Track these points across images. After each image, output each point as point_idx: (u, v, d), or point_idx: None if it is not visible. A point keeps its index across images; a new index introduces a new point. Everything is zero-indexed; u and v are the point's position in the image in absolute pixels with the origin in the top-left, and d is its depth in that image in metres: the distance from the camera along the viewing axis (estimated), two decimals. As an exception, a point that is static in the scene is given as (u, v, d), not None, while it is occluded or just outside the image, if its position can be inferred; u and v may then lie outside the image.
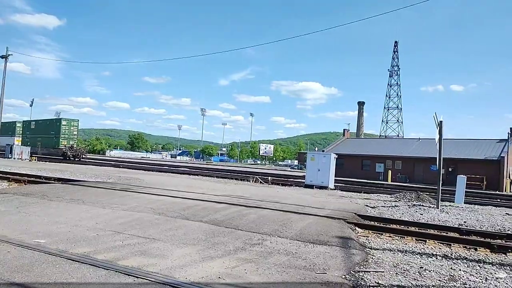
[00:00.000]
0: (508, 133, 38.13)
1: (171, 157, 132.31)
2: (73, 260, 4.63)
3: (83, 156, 43.13)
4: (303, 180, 22.98)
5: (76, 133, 44.94)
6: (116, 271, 4.29)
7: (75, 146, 43.18)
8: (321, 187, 20.83)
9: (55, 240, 5.60)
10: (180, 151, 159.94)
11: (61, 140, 42.29)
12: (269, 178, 25.80)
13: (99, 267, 4.42)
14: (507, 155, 34.41)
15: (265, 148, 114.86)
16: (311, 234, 7.05)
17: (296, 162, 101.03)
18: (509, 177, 33.84)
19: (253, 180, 23.49)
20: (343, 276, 4.77)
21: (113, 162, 40.30)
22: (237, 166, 65.77)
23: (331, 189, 20.79)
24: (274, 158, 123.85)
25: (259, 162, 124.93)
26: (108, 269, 4.35)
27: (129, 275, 4.20)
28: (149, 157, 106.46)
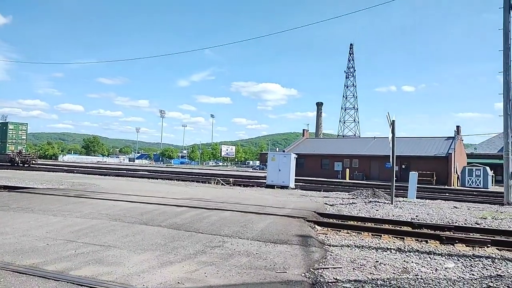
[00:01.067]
0: (455, 131, 40.70)
1: (129, 160, 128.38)
2: (19, 273, 4.34)
3: (34, 162, 40.68)
4: (264, 181, 23.15)
5: (24, 137, 42.28)
6: (68, 282, 4.08)
7: (24, 151, 40.64)
8: (282, 187, 21.09)
9: (0, 252, 5.23)
10: (139, 155, 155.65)
11: (8, 145, 39.64)
12: (231, 179, 25.73)
13: (49, 278, 4.17)
14: (454, 151, 36.70)
15: (227, 150, 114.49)
16: (272, 234, 7.10)
17: (258, 162, 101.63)
18: (456, 172, 36.09)
19: (214, 182, 23.32)
20: (303, 274, 4.84)
21: (66, 168, 38.41)
22: (199, 169, 65.09)
23: (291, 188, 21.10)
24: (236, 159, 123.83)
25: (221, 163, 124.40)
26: (59, 280, 4.12)
27: (82, 285, 4.01)
28: (105, 162, 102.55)
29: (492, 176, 35.11)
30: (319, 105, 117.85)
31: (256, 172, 57.61)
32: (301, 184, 23.99)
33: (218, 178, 25.16)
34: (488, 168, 33.39)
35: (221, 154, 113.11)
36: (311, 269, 5.09)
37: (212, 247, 6.01)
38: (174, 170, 48.97)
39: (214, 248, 5.96)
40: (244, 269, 4.92)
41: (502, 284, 4.74)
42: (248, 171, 61.37)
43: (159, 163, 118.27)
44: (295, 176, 23.52)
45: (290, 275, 4.74)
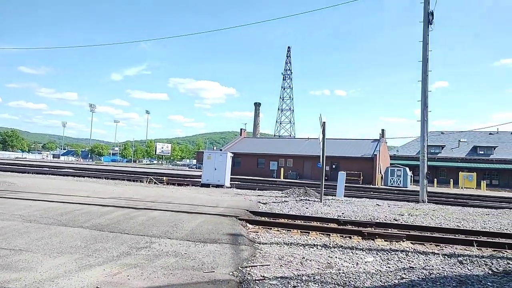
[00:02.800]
0: (380, 134, 43.80)
1: (54, 157, 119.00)
2: None
3: None
4: (200, 180, 22.85)
5: None
6: (-36, 293, 3.61)
7: None
8: (217, 186, 20.99)
9: None
10: (65, 151, 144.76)
11: None
12: (165, 178, 25.01)
13: None
14: (379, 153, 39.47)
15: (162, 148, 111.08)
16: (202, 233, 6.99)
17: (194, 161, 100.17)
18: (380, 172, 38.84)
19: (147, 181, 22.48)
20: (231, 273, 4.82)
21: (-23, 164, 34.41)
22: (131, 167, 62.36)
23: (227, 187, 21.09)
24: (172, 158, 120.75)
25: (155, 162, 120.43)
26: (-48, 291, 3.63)
27: (-19, 295, 3.57)
28: (25, 158, 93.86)
29: (411, 176, 38.36)
30: (257, 105, 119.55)
31: (192, 171, 56.71)
32: (236, 183, 24.08)
33: (151, 177, 24.30)
34: (407, 169, 36.41)
35: (155, 152, 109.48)
36: (239, 268, 5.09)
37: (138, 249, 5.74)
38: (103, 168, 46.33)
39: (140, 250, 5.70)
40: (170, 270, 4.76)
41: (413, 275, 5.14)
42: (184, 170, 60.19)
43: (87, 160, 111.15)
44: (231, 175, 23.58)
45: (217, 275, 4.69)
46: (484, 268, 5.86)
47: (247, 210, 10.23)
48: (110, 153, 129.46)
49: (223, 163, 21.49)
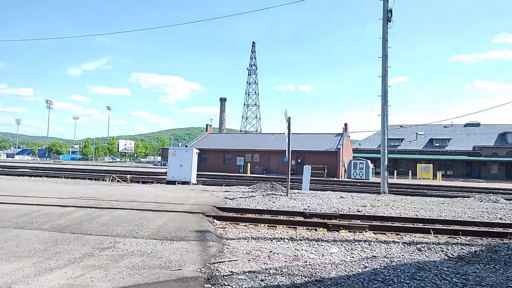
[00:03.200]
0: (343, 128, 44.97)
1: (7, 156, 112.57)
2: None
3: None
4: (165, 177, 22.47)
5: None
6: None
7: None
8: (183, 183, 20.73)
9: None
10: (20, 150, 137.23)
11: None
12: (128, 176, 24.37)
13: None
14: (342, 147, 40.55)
15: (125, 145, 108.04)
16: (169, 231, 6.89)
17: (159, 158, 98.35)
18: (344, 166, 39.93)
19: (109, 180, 21.79)
20: (199, 270, 4.79)
21: None
22: (92, 165, 60.20)
23: (193, 184, 20.89)
24: (135, 155, 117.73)
25: (118, 159, 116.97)
26: None
27: None
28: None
29: (373, 168, 39.74)
30: (223, 100, 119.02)
31: (157, 168, 55.65)
32: (203, 179, 23.91)
33: (114, 175, 23.60)
34: (369, 162, 37.69)
35: (118, 150, 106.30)
36: (207, 264, 5.07)
37: (101, 249, 5.57)
38: (62, 166, 44.42)
39: (104, 250, 5.54)
40: (136, 269, 4.66)
41: (376, 263, 5.35)
42: (148, 167, 58.91)
43: (45, 159, 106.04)
44: (198, 171, 23.36)
45: (185, 272, 4.65)
46: (440, 254, 6.20)
47: (214, 206, 10.19)
48: (69, 152, 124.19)
49: (188, 159, 21.24)
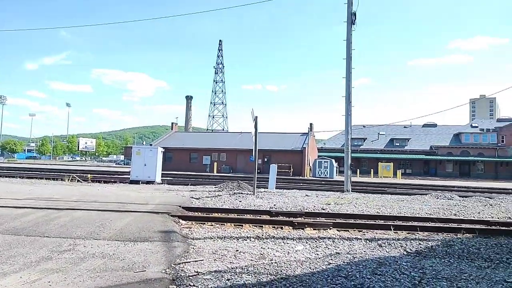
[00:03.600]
0: (308, 128, 45.75)
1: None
2: None
3: None
4: (128, 176, 21.86)
5: None
6: None
7: None
8: (147, 182, 20.28)
9: None
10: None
11: None
12: (89, 175, 23.50)
13: None
14: (308, 146, 41.25)
15: (86, 143, 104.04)
16: (132, 232, 6.72)
17: (122, 157, 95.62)
18: (309, 164, 40.65)
19: (69, 179, 20.91)
20: (163, 271, 4.71)
21: None
22: (51, 164, 57.52)
23: (158, 183, 20.49)
24: (97, 154, 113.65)
25: (78, 158, 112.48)
26: None
27: None
28: None
29: (337, 167, 40.73)
30: (189, 98, 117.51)
31: (120, 167, 54.08)
32: (168, 178, 23.50)
33: (74, 175, 22.67)
34: (333, 161, 38.59)
35: (78, 148, 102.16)
36: (172, 265, 4.99)
37: (60, 252, 5.34)
38: (17, 166, 42.11)
39: (63, 253, 5.31)
40: (98, 272, 4.51)
41: (339, 260, 5.48)
42: (110, 166, 57.10)
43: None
44: (163, 170, 22.93)
45: (149, 274, 4.55)
46: (400, 250, 6.47)
47: (180, 206, 10.05)
48: (25, 150, 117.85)
49: (153, 158, 20.79)
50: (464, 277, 4.68)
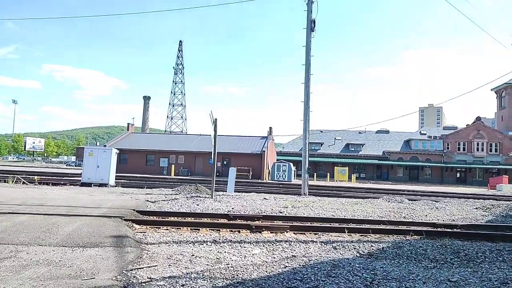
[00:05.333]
0: (268, 131, 46.19)
1: None
2: None
3: None
4: (80, 178, 20.85)
5: None
6: None
7: None
8: (100, 185, 19.45)
9: None
10: None
11: None
12: (36, 177, 22.13)
13: None
14: (267, 149, 41.62)
15: (34, 143, 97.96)
16: (82, 237, 6.37)
17: (73, 158, 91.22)
18: (268, 168, 41.00)
19: (13, 181, 19.55)
20: (114, 278, 4.50)
21: None
22: (-7, 164, 53.54)
23: (111, 186, 19.72)
24: (46, 154, 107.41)
25: (25, 158, 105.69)
26: None
27: None
28: None
29: (295, 170, 41.47)
30: (147, 99, 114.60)
31: (71, 168, 51.49)
32: (123, 181, 22.69)
33: (19, 176, 21.24)
34: (291, 164, 39.24)
35: (25, 148, 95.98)
36: (124, 271, 4.78)
37: (0, 260, 4.94)
38: (-45, 166, 38.81)
39: (3, 260, 4.92)
40: (41, 281, 4.22)
41: (295, 263, 5.54)
42: (60, 168, 54.20)
43: None
44: (117, 173, 22.12)
45: (99, 281, 4.32)
46: (353, 252, 6.66)
47: (134, 210, 9.71)
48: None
49: (107, 160, 19.98)
50: (412, 277, 4.90)
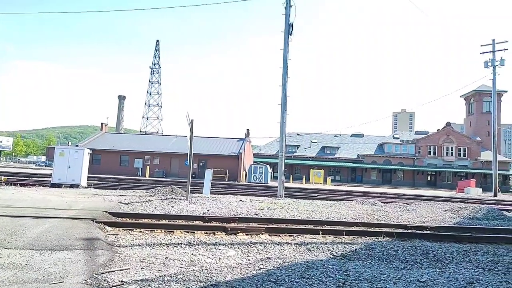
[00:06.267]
0: (245, 133, 46.19)
1: None
2: None
3: None
4: (50, 179, 20.16)
5: None
6: None
7: None
8: (72, 186, 18.90)
9: None
10: None
11: None
12: (3, 177, 21.23)
13: None
14: (244, 151, 41.60)
15: (1, 142, 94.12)
16: (50, 239, 6.16)
17: (44, 158, 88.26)
18: (245, 170, 40.98)
19: (-22, 181, 18.70)
20: (84, 281, 4.37)
21: None
22: (-44, 164, 51.07)
23: (83, 187, 19.19)
24: (14, 154, 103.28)
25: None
26: None
27: None
28: None
29: (271, 173, 41.60)
30: (122, 98, 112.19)
31: (41, 169, 49.77)
32: (95, 182, 22.12)
33: (-15, 176, 20.33)
34: (268, 166, 39.36)
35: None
36: (94, 275, 4.66)
37: (-40, 264, 4.71)
38: None
39: (-36, 265, 4.69)
40: (6, 285, 4.05)
41: (270, 265, 5.55)
42: (29, 168, 52.28)
43: None
44: (90, 173, 21.55)
45: (67, 285, 4.20)
46: (327, 253, 6.74)
47: (107, 212, 9.47)
48: None
49: (79, 160, 19.42)
50: (383, 278, 5.01)
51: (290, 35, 19.36)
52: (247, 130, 46.40)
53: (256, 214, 11.00)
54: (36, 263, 4.95)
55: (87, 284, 4.29)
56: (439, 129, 63.74)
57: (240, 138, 45.92)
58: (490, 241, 8.45)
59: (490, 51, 32.67)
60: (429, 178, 61.97)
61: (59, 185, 18.77)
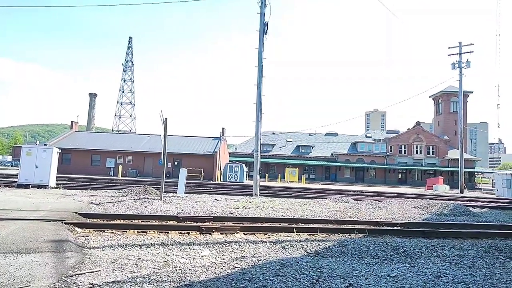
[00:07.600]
0: (220, 132, 45.99)
1: None
2: None
3: None
4: (16, 179, 19.36)
5: None
6: None
7: None
8: (39, 186, 18.23)
9: None
10: None
11: None
12: (-35, 178, 20.20)
13: None
14: (219, 150, 41.40)
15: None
16: (16, 242, 5.92)
17: (9, 157, 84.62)
18: (220, 169, 40.80)
19: None
20: (52, 285, 4.23)
21: None
22: None
23: (52, 187, 18.55)
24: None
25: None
26: None
27: None
28: None
29: (247, 171, 41.65)
30: (93, 96, 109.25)
31: (6, 169, 47.72)
32: (65, 182, 21.43)
33: None
34: (244, 165, 39.37)
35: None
36: (63, 278, 4.52)
37: None
38: None
39: None
40: (-33, 292, 3.85)
41: (244, 263, 5.55)
42: (-6, 168, 50.01)
43: None
44: (59, 173, 20.85)
45: (34, 289, 4.04)
46: (301, 251, 6.81)
47: (76, 213, 9.20)
48: None
49: (47, 160, 18.74)
50: (355, 274, 5.11)
51: (265, 34, 19.42)
52: (223, 128, 46.22)
53: (231, 213, 10.98)
54: (1, 266, 4.74)
55: (56, 288, 4.15)
56: (409, 129, 65.65)
57: (215, 137, 45.67)
58: (456, 236, 8.80)
59: (457, 53, 33.99)
60: (400, 176, 63.76)
61: (26, 186, 18.06)
